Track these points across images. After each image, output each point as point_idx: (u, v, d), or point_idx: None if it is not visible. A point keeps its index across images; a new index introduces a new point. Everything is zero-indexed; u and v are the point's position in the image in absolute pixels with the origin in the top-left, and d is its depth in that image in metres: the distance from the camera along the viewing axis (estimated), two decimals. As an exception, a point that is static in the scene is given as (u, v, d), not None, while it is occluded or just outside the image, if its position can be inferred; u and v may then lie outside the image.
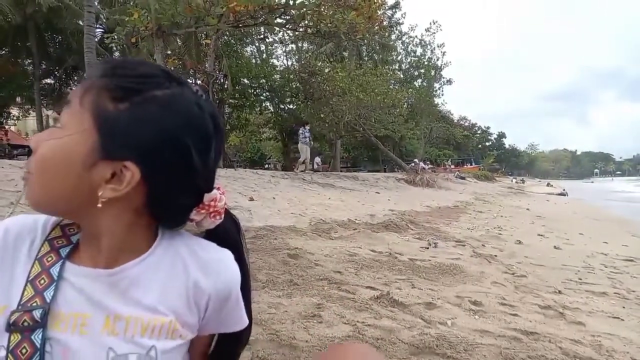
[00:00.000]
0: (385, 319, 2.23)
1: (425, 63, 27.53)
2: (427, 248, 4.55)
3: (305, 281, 2.78)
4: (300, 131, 14.83)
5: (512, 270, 3.83)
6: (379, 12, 13.94)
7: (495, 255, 4.43)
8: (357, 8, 11.34)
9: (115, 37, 11.55)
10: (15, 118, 24.55)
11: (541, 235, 6.56)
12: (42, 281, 0.60)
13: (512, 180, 38.76)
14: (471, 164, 41.12)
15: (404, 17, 28.49)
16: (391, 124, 20.62)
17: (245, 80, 19.91)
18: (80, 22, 14.55)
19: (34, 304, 0.59)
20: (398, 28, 28.70)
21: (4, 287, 0.61)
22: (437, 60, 27.86)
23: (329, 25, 10.20)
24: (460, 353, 1.89)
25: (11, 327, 0.57)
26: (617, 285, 3.66)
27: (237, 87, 18.88)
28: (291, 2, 9.46)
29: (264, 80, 20.47)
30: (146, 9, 9.55)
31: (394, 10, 27.89)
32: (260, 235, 4.05)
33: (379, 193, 11.20)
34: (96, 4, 13.47)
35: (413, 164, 20.02)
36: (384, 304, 2.48)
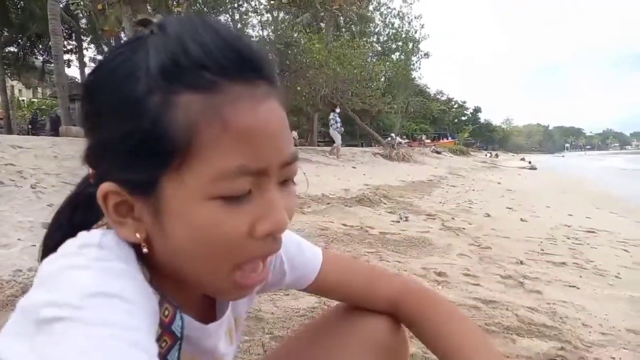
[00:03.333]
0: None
1: (403, 35, 27.30)
2: (398, 222, 4.63)
3: (274, 255, 2.80)
4: (331, 116, 14.32)
5: (478, 242, 3.95)
6: (356, -18, 13.67)
7: (464, 228, 4.55)
8: (333, -23, 11.09)
9: (81, 3, 11.05)
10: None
11: (509, 208, 6.76)
12: (164, 343, 0.51)
13: (485, 155, 39.53)
14: (447, 139, 41.64)
15: (382, -13, 27.86)
16: (368, 98, 20.54)
17: (220, 51, 19.42)
18: (43, -13, 13.78)
19: None
20: (376, -1, 28.22)
21: None
22: (415, 32, 27.65)
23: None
24: (421, 322, 1.96)
25: None
26: (576, 255, 3.82)
27: (211, 58, 18.37)
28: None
29: (239, 52, 20.01)
30: (112, -27, 9.15)
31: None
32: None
33: (355, 168, 11.27)
34: (59, -33, 12.76)
35: (389, 139, 20.12)
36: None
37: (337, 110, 14.74)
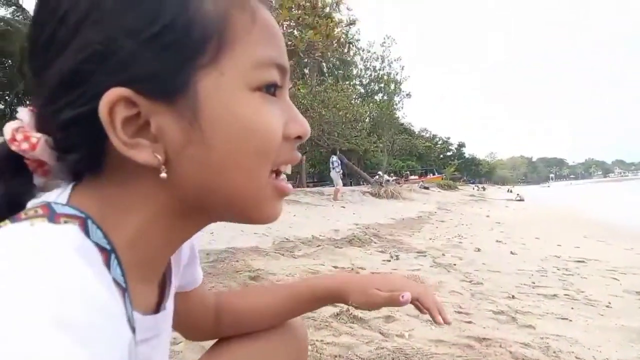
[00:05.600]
0: (344, 336, 2.26)
1: (385, 77, 28.19)
2: (389, 261, 4.63)
3: (265, 302, 2.78)
4: (333, 159, 14.53)
5: (469, 278, 3.95)
6: (336, 30, 14.27)
7: (454, 264, 4.56)
8: (314, 27, 11.60)
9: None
10: (-38, 145, 23.32)
11: (499, 242, 6.80)
12: None
13: (473, 188, 39.98)
14: (434, 174, 42.13)
15: (359, 34, 28.97)
16: (354, 138, 20.95)
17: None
18: (31, 45, 14.08)
19: None
20: (355, 44, 29.29)
21: None
22: (396, 74, 28.59)
23: (288, 43, 10.38)
24: (415, 364, 1.94)
25: None
26: (567, 287, 3.84)
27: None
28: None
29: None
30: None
31: (349, 27, 28.47)
32: (221, 258, 4.01)
33: (344, 207, 11.30)
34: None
35: (377, 177, 20.33)
36: (343, 320, 2.51)
37: (337, 153, 15.08)
